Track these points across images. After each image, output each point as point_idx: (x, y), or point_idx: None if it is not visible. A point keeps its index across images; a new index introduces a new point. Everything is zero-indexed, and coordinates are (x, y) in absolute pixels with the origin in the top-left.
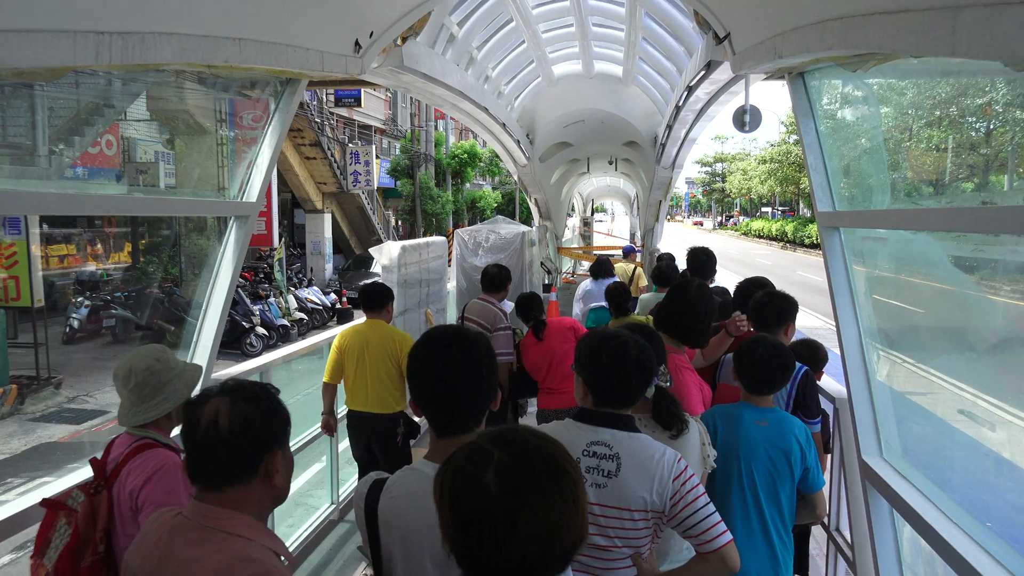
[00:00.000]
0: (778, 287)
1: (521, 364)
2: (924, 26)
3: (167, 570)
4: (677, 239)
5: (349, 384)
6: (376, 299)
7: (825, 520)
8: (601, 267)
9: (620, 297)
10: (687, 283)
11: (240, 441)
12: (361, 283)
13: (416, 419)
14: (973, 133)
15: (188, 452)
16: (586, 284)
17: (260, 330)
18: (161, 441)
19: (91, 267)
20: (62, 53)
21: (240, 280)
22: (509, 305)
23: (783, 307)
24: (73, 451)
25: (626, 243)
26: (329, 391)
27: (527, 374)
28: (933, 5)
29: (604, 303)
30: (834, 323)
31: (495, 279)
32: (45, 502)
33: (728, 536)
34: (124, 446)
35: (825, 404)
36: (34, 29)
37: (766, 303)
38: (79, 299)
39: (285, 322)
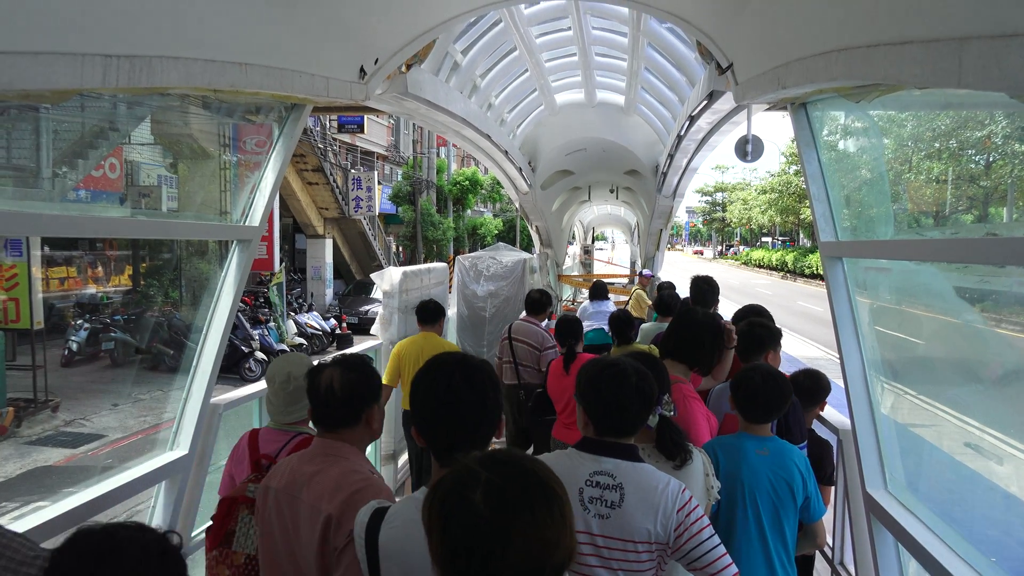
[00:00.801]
0: (779, 317)
1: (546, 385)
2: (930, 57)
3: (298, 483)
4: (678, 268)
5: (407, 387)
6: (430, 314)
7: (829, 553)
8: (598, 290)
9: (622, 325)
10: (692, 310)
11: (348, 399)
12: (362, 308)
13: None
14: (973, 165)
15: (313, 406)
16: (585, 304)
17: (259, 355)
18: (307, 432)
19: (91, 290)
20: (70, 75)
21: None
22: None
23: (763, 335)
24: (69, 475)
25: (626, 270)
26: (385, 391)
27: (550, 397)
28: (939, 36)
29: (598, 325)
30: (836, 354)
31: (537, 303)
32: (225, 498)
33: (733, 568)
34: (279, 439)
35: (828, 435)
36: (42, 51)
37: (746, 331)
38: (78, 321)
39: (284, 347)
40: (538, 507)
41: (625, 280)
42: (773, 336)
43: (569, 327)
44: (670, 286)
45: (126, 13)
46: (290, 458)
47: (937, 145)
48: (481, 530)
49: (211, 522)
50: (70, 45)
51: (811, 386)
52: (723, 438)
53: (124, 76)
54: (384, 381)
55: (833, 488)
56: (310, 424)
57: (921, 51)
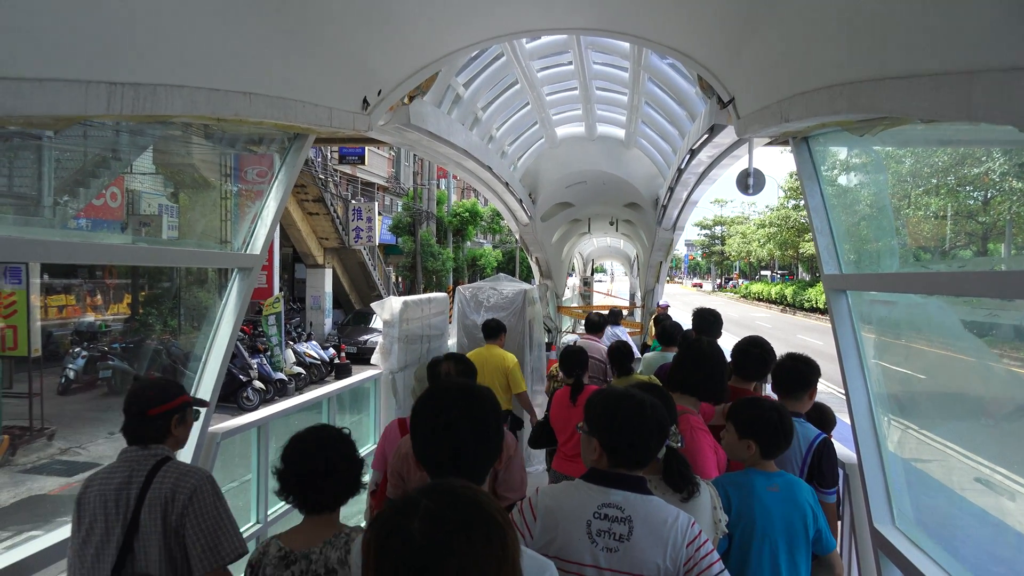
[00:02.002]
0: (779, 351)
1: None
2: (938, 91)
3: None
4: (677, 300)
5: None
6: (492, 330)
7: None
8: (592, 325)
9: (622, 357)
10: (698, 340)
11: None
12: (362, 338)
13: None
14: (971, 201)
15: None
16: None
17: (257, 384)
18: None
19: (90, 317)
20: (74, 102)
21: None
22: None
23: (807, 372)
24: (63, 504)
25: (625, 302)
26: None
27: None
28: (948, 70)
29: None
30: (840, 388)
31: (596, 324)
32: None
33: None
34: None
35: None
36: (47, 78)
37: (791, 367)
38: (76, 349)
39: (283, 376)
40: (476, 536)
41: (626, 312)
42: (815, 373)
43: (575, 358)
44: (668, 316)
45: (131, 41)
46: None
47: (935, 181)
48: (414, 555)
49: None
50: (75, 72)
51: (816, 420)
52: (733, 476)
53: (128, 104)
54: None
55: (840, 523)
56: None
57: (928, 84)
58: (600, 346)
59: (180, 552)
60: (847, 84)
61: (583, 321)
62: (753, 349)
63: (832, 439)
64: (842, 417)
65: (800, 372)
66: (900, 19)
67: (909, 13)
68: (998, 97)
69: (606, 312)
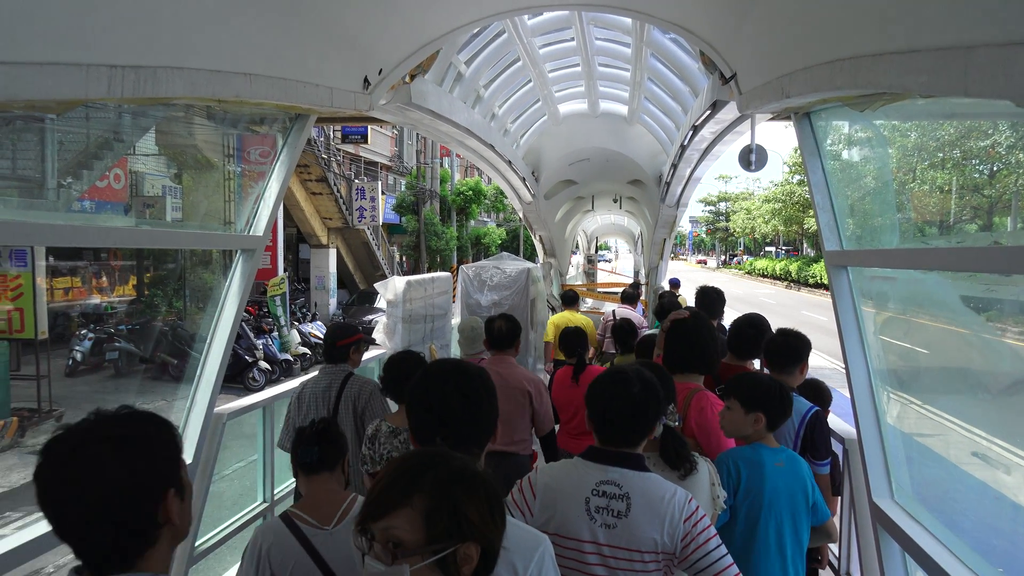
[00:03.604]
0: (784, 326)
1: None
2: (936, 66)
3: (499, 374)
4: (682, 277)
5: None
6: (570, 300)
7: (835, 563)
8: (627, 297)
9: (625, 335)
10: (681, 322)
11: (509, 333)
12: (367, 318)
13: None
14: (977, 175)
15: (490, 340)
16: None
17: (263, 364)
18: (483, 357)
19: (95, 300)
20: (75, 86)
21: (244, 314)
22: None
23: (798, 346)
24: None
25: (630, 279)
26: (547, 347)
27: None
28: (945, 45)
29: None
30: (842, 363)
31: (631, 296)
32: None
33: None
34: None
35: (835, 445)
36: (48, 62)
37: (780, 342)
38: (83, 331)
39: (288, 356)
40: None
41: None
42: (806, 348)
43: (576, 338)
44: (671, 295)
45: (131, 23)
46: (486, 364)
47: (941, 155)
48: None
49: None
50: (75, 56)
51: (812, 397)
52: (742, 451)
53: (129, 86)
54: (546, 339)
55: (840, 498)
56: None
57: (927, 59)
58: (638, 316)
59: (362, 430)
60: (847, 59)
61: (589, 300)
62: (749, 329)
63: (830, 412)
64: (843, 391)
65: (791, 347)
66: None
67: None
68: (994, 72)
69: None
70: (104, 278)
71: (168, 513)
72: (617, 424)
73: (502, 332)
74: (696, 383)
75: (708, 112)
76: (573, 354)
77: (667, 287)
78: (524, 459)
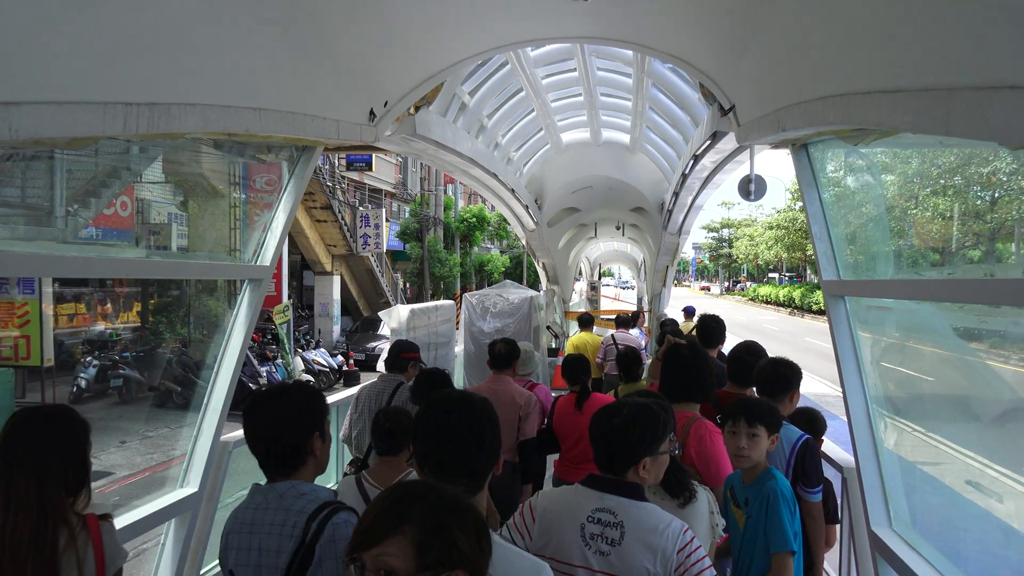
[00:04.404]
0: (786, 354)
1: (551, 422)
2: (921, 106)
3: (493, 391)
4: (685, 303)
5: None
6: (585, 322)
7: None
8: (621, 321)
9: (630, 363)
10: (676, 352)
11: (507, 354)
12: (370, 345)
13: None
14: (978, 202)
15: (492, 358)
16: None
17: None
18: (536, 382)
19: (100, 326)
20: (92, 123)
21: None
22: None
23: (788, 375)
24: None
25: (633, 307)
26: None
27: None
28: (929, 86)
29: None
30: (841, 391)
31: (626, 320)
32: None
33: None
34: (523, 381)
35: (833, 473)
36: (67, 101)
37: (771, 371)
38: (87, 358)
39: None
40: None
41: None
42: (796, 376)
43: (578, 365)
44: (673, 323)
45: (145, 62)
46: (483, 386)
47: (943, 182)
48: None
49: None
50: (93, 94)
51: (806, 425)
52: (738, 474)
53: (144, 123)
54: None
55: (838, 526)
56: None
57: (913, 99)
58: (634, 337)
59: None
60: (839, 96)
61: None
62: (748, 357)
63: (825, 440)
64: (842, 417)
65: (781, 376)
66: (886, 34)
67: (894, 29)
68: (974, 114)
69: (630, 313)
70: (109, 305)
71: (313, 448)
72: (601, 453)
73: (501, 354)
74: (693, 411)
75: (708, 142)
76: (576, 381)
77: (669, 315)
78: (514, 464)
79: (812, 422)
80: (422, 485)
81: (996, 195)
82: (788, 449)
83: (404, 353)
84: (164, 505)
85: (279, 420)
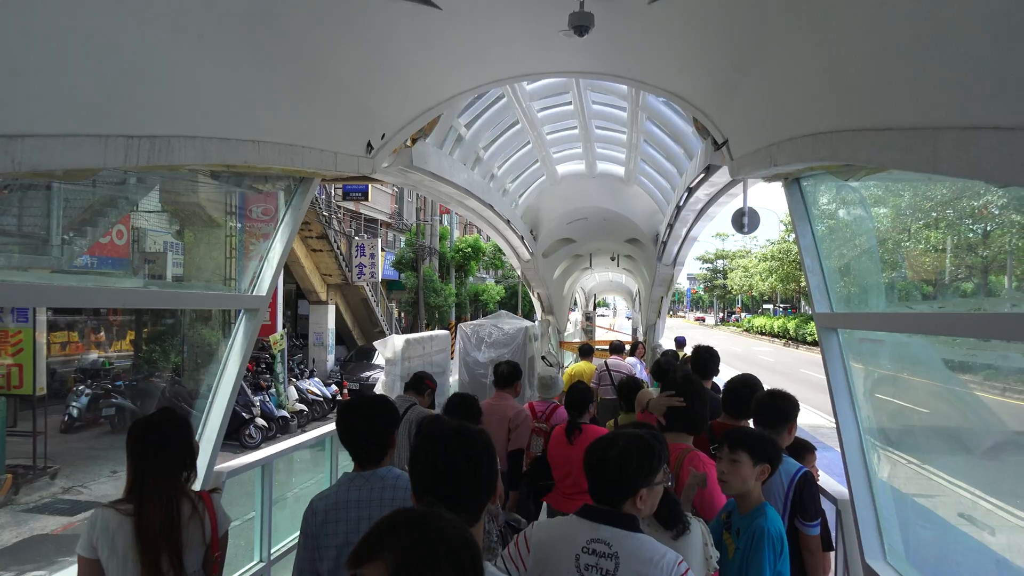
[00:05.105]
0: (781, 385)
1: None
2: (908, 144)
3: (494, 407)
4: (680, 334)
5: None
6: (586, 352)
7: None
8: (614, 348)
9: (629, 393)
10: (670, 381)
11: (511, 373)
12: (364, 375)
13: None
14: (970, 234)
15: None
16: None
17: (260, 421)
18: (556, 402)
19: (93, 355)
20: (95, 156)
21: None
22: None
23: (786, 407)
24: (65, 544)
25: (628, 337)
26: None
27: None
28: (916, 125)
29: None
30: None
31: (618, 347)
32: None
33: None
34: (543, 405)
35: (827, 505)
36: (68, 134)
37: (768, 403)
38: (80, 387)
39: (285, 413)
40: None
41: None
42: (794, 409)
43: (580, 397)
44: (673, 352)
45: (146, 96)
46: (489, 401)
47: (934, 214)
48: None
49: None
50: (95, 127)
51: (793, 455)
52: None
53: (144, 155)
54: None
55: (833, 555)
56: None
57: (900, 138)
58: (627, 364)
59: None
60: (829, 133)
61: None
62: (743, 389)
63: (821, 473)
64: (836, 448)
65: (779, 408)
66: (874, 74)
67: (881, 70)
68: (959, 153)
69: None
70: (102, 333)
71: (392, 442)
72: (595, 484)
73: (503, 374)
74: (687, 443)
75: (702, 175)
76: (580, 412)
77: (666, 345)
78: (502, 472)
79: (799, 452)
80: (419, 515)
81: (988, 228)
82: (787, 482)
83: (427, 379)
84: None
85: (371, 423)
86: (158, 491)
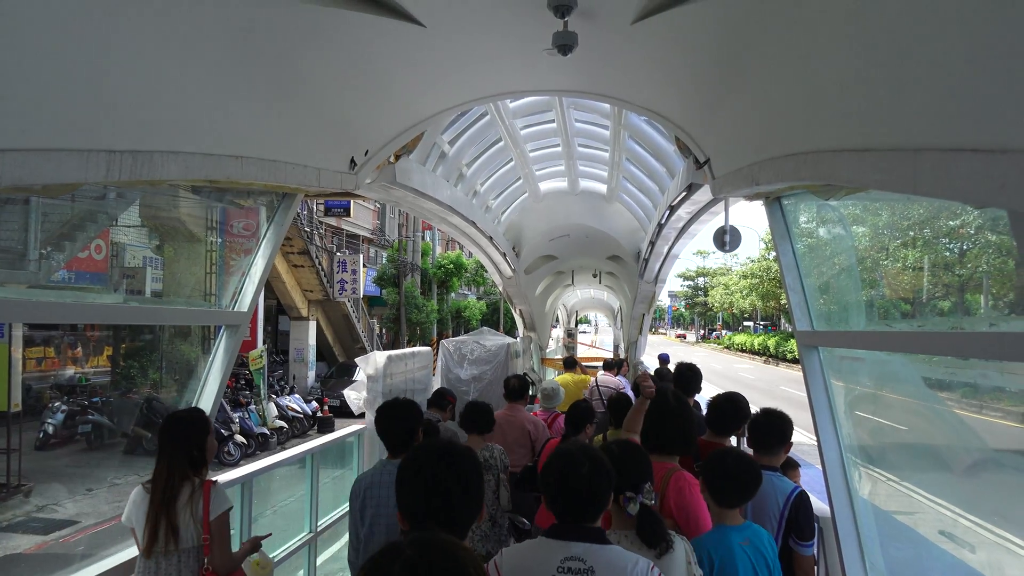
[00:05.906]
0: (763, 402)
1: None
2: (888, 165)
3: (507, 418)
4: (660, 351)
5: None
6: (570, 364)
7: None
8: (608, 365)
9: (620, 409)
10: (665, 395)
11: (521, 387)
12: (344, 391)
13: None
14: (947, 253)
15: (507, 393)
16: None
17: (239, 438)
18: (559, 411)
19: (69, 371)
20: (76, 170)
21: None
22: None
23: (782, 427)
24: (39, 563)
25: (609, 354)
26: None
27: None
28: (896, 146)
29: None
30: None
31: (611, 364)
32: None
33: None
34: (545, 415)
35: None
36: (51, 148)
37: (765, 423)
38: (55, 403)
39: (265, 430)
40: None
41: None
42: (791, 426)
43: (580, 415)
44: (667, 371)
45: (129, 111)
46: (502, 412)
47: (912, 234)
48: None
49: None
50: (76, 141)
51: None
52: (710, 535)
53: (127, 170)
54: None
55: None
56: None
57: (880, 158)
58: (616, 380)
59: None
60: (809, 153)
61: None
62: (727, 405)
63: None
64: (818, 466)
65: (776, 427)
66: (855, 95)
67: (862, 91)
68: (939, 174)
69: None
70: (79, 348)
71: (417, 439)
72: (559, 501)
73: (514, 388)
74: (673, 463)
75: (684, 193)
76: (579, 429)
77: (648, 362)
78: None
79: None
80: (418, 544)
81: (964, 247)
82: (782, 502)
83: (448, 395)
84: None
85: (402, 422)
86: (166, 474)
